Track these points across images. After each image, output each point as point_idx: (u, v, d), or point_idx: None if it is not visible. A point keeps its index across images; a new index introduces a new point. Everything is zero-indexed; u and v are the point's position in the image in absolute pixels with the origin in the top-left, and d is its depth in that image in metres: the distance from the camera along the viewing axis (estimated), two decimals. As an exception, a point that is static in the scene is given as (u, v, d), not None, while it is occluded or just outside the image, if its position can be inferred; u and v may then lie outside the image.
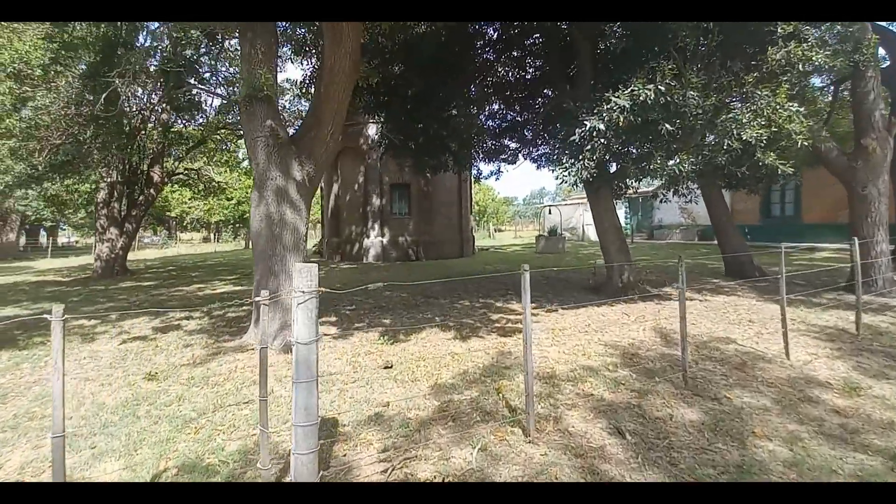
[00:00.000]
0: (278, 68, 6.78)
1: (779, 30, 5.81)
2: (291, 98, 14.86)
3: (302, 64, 9.60)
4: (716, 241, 11.15)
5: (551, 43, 8.75)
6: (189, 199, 29.03)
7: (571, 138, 5.89)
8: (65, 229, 41.56)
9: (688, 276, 10.03)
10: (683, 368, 3.74)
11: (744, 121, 5.78)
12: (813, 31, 5.88)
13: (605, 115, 5.51)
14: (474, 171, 13.57)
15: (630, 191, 8.53)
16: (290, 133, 6.15)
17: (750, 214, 18.42)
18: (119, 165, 13.04)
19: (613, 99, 5.40)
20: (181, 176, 16.65)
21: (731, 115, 5.97)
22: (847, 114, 11.20)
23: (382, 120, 10.22)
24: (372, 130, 15.94)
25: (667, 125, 5.59)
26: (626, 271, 7.79)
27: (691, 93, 5.45)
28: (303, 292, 2.31)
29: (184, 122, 13.00)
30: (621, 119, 5.45)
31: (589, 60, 7.66)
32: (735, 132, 5.81)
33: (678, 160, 6.41)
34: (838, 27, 6.01)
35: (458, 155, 10.33)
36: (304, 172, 5.63)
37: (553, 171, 6.24)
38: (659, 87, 5.26)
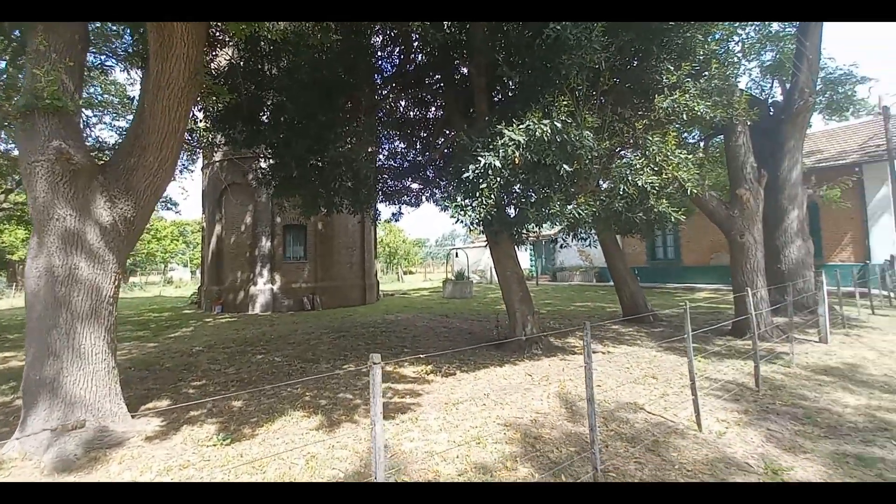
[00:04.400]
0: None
1: (664, 79, 5.82)
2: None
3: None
4: (612, 283, 11.24)
5: (449, 81, 8.37)
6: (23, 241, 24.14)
7: (465, 175, 5.21)
8: None
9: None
10: (594, 466, 2.94)
11: (637, 166, 5.60)
12: (693, 83, 6.00)
13: (500, 150, 4.94)
14: (375, 213, 12.66)
15: (532, 236, 8.15)
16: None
17: (638, 257, 19.67)
18: None
19: (507, 133, 4.85)
20: (7, 211, 13.44)
21: (625, 161, 5.80)
22: (715, 166, 12.30)
23: (269, 154, 8.95)
24: (263, 164, 14.41)
25: (565, 166, 5.17)
26: (529, 323, 7.18)
27: (587, 133, 5.11)
28: None
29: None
30: (517, 155, 4.90)
31: (485, 96, 7.29)
32: (630, 178, 5.59)
33: (576, 205, 6.09)
34: (716, 81, 6.21)
35: (355, 195, 9.34)
36: (115, 212, 4.20)
37: (447, 210, 5.49)
38: (555, 123, 4.83)
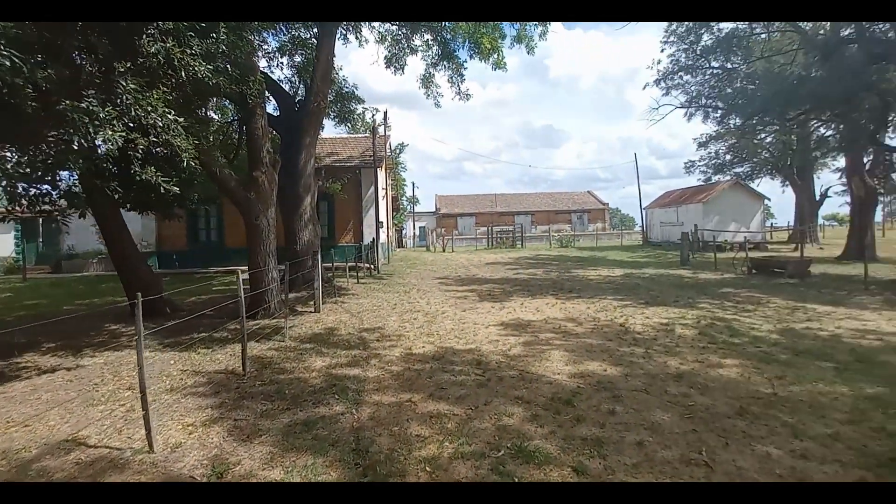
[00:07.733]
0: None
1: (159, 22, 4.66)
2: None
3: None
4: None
5: None
6: None
7: None
8: None
9: (79, 324, 7.33)
10: None
11: (101, 115, 4.20)
12: (198, 41, 5.14)
13: None
14: None
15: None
16: None
17: (178, 240, 17.59)
18: None
19: None
20: None
21: (82, 104, 4.22)
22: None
23: None
24: None
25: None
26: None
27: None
28: None
29: None
30: None
31: None
32: (90, 130, 4.14)
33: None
34: (224, 47, 5.59)
35: None
36: None
37: None
38: None
